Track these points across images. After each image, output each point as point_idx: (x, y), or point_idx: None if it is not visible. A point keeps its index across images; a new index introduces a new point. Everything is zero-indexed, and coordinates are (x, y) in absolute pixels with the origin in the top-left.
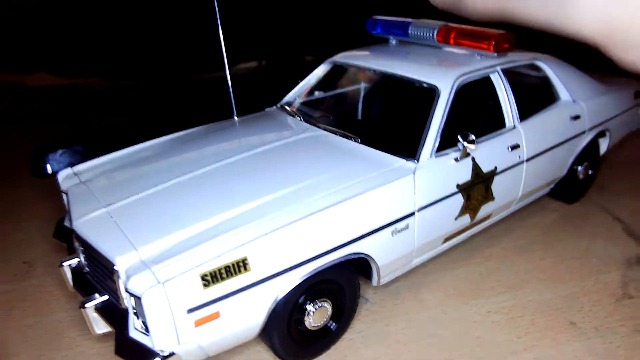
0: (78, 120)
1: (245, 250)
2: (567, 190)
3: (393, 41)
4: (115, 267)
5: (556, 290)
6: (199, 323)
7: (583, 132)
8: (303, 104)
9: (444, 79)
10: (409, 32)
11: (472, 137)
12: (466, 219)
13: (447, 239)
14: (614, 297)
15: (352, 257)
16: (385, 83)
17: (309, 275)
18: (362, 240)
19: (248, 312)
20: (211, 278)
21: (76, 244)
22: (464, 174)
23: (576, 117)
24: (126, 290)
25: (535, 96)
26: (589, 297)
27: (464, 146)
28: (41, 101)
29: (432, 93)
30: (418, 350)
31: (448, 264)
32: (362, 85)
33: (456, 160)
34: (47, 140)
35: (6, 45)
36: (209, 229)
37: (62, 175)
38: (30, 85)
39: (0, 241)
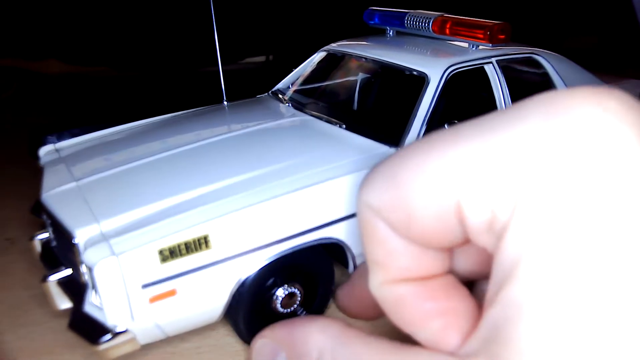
0: (84, 108)
1: (207, 227)
2: None
3: (390, 32)
4: (75, 240)
5: None
6: (154, 299)
7: None
8: (295, 91)
9: (435, 67)
10: (405, 22)
11: None
12: None
13: None
14: None
15: (324, 242)
16: (377, 71)
17: (275, 258)
18: (335, 226)
19: (209, 292)
20: (169, 253)
21: (44, 217)
22: None
23: None
24: (82, 262)
25: (533, 92)
26: None
27: None
28: (50, 88)
29: (421, 81)
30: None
31: None
32: (354, 74)
33: None
34: (50, 125)
35: (17, 31)
36: (176, 205)
37: (43, 151)
38: (39, 71)
39: None
